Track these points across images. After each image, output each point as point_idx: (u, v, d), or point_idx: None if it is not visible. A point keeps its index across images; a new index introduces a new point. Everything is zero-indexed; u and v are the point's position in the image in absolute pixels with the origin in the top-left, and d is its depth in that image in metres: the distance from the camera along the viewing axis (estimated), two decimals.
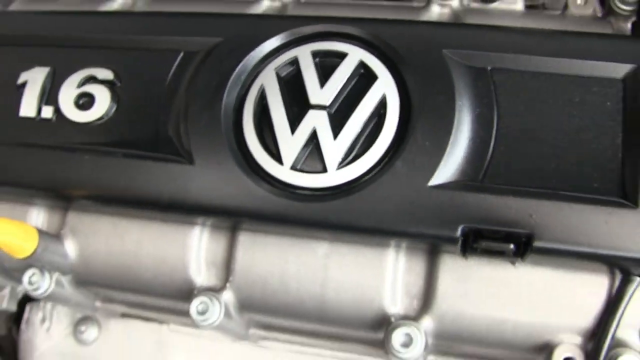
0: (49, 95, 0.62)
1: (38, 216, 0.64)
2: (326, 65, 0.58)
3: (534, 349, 0.56)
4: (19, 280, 0.71)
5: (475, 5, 0.67)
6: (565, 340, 0.54)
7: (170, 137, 0.57)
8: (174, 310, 0.67)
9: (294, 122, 0.56)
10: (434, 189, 0.51)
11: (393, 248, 0.56)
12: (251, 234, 0.59)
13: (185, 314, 0.64)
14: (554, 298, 0.54)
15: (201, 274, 0.61)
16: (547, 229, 0.50)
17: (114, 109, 0.60)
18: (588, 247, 0.50)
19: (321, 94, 0.57)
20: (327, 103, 0.56)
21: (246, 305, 0.61)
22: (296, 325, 0.62)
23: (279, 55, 0.59)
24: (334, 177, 0.54)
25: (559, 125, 0.52)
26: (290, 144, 0.55)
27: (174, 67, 0.60)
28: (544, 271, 0.54)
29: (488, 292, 0.55)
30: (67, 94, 0.61)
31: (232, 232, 0.60)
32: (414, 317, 0.56)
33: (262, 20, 0.63)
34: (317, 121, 0.56)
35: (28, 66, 0.64)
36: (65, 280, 0.65)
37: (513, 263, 0.54)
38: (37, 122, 0.62)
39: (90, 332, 0.81)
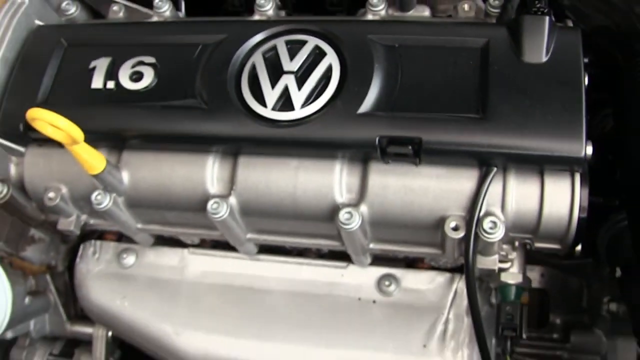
0: (111, 74, 0.93)
1: (102, 153, 0.94)
2: (294, 48, 0.90)
3: (433, 225, 0.84)
4: (83, 209, 1.01)
5: (396, 13, 0.98)
6: (453, 214, 0.83)
7: (194, 94, 0.88)
8: (194, 224, 0.96)
9: (273, 82, 0.87)
10: (361, 115, 0.82)
11: (339, 159, 0.86)
12: (247, 157, 0.89)
13: (203, 226, 0.94)
14: (445, 186, 0.83)
15: (214, 187, 0.90)
16: (432, 135, 0.80)
17: (155, 81, 0.92)
18: (457, 146, 0.80)
19: (290, 65, 0.88)
20: (294, 69, 0.87)
21: (244, 208, 0.90)
22: (279, 225, 0.91)
23: (264, 44, 0.91)
24: (299, 113, 0.85)
25: (441, 75, 0.83)
26: (272, 94, 0.86)
27: (195, 54, 0.92)
28: (437, 168, 0.83)
29: (401, 184, 0.84)
30: (124, 72, 0.92)
31: (234, 157, 0.89)
32: (354, 205, 0.85)
33: (253, 23, 0.95)
34: (287, 80, 0.87)
35: (96, 57, 0.95)
36: (119, 200, 0.94)
37: (415, 164, 0.83)
38: (103, 91, 0.92)
39: (129, 258, 1.09)
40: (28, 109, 0.77)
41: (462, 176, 0.83)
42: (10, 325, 1.07)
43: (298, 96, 0.86)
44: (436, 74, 0.84)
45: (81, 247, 1.12)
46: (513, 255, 0.89)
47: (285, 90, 0.86)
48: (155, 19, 1.01)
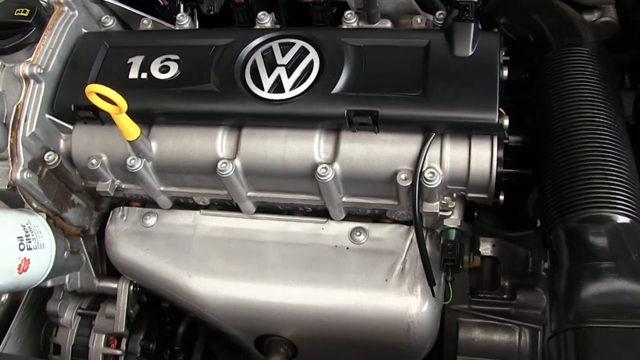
0: (144, 67, 1.21)
1: None
2: (285, 48, 1.18)
3: (389, 178, 1.10)
4: (117, 175, 1.27)
5: (364, 25, 1.27)
6: (403, 168, 1.10)
7: (210, 80, 1.16)
8: (206, 185, 1.22)
9: (269, 72, 1.14)
10: (334, 95, 1.10)
11: (318, 129, 1.13)
12: (248, 129, 1.16)
13: (213, 186, 1.20)
14: (397, 148, 1.09)
15: (223, 152, 1.17)
16: (386, 109, 1.07)
17: (179, 72, 1.19)
18: (405, 117, 1.07)
19: (282, 59, 1.16)
20: (285, 63, 1.15)
21: (246, 168, 1.16)
22: (272, 183, 1.18)
23: (262, 46, 1.19)
24: (288, 94, 1.12)
25: (393, 66, 1.11)
26: (267, 81, 1.14)
27: (210, 52, 1.20)
28: (391, 135, 1.10)
29: (364, 147, 1.11)
30: (155, 66, 1.20)
31: (239, 129, 1.16)
32: (329, 163, 1.12)
33: (254, 30, 1.24)
34: (280, 71, 1.14)
35: (132, 55, 1.23)
36: (148, 165, 1.21)
37: (375, 131, 1.11)
38: (138, 80, 1.20)
39: (151, 219, 1.34)
40: (78, 94, 1.04)
41: (410, 140, 1.10)
42: (51, 274, 1.31)
43: (287, 82, 1.13)
44: (390, 65, 1.12)
45: (111, 212, 1.37)
46: (453, 204, 1.15)
47: (278, 78, 1.14)
48: (177, 29, 1.30)
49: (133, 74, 1.21)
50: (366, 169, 1.12)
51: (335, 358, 1.36)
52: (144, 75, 1.20)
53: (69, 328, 1.46)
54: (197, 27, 1.37)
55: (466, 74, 1.08)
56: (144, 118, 1.19)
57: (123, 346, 1.42)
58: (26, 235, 1.21)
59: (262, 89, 1.14)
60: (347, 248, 1.23)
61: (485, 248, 1.47)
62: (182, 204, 1.33)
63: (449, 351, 1.39)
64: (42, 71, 1.21)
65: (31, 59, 1.22)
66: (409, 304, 1.16)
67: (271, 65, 1.16)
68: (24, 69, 1.20)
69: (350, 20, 1.24)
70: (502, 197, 1.13)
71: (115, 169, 1.24)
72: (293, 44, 1.18)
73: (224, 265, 1.25)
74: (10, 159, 1.19)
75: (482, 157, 1.08)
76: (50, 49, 1.25)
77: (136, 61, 1.22)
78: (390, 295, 1.16)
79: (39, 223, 1.26)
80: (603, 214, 0.88)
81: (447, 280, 1.14)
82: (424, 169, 1.08)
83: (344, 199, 1.18)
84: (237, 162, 1.16)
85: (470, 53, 1.10)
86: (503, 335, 1.40)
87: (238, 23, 1.39)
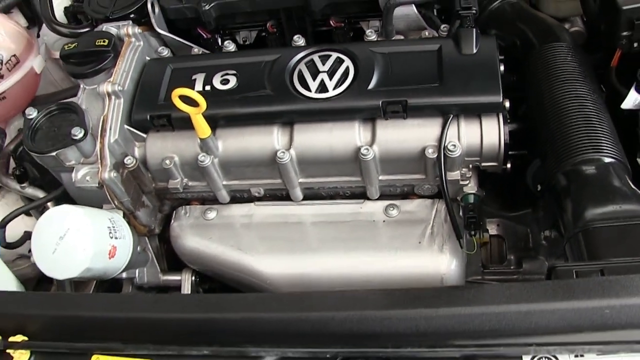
0: (207, 82, 1.47)
1: None
2: (324, 59, 1.45)
3: (418, 155, 1.36)
4: (186, 174, 1.50)
5: (381, 38, 1.56)
6: (429, 145, 1.36)
7: (265, 87, 1.42)
8: (264, 175, 1.46)
9: (314, 77, 1.42)
10: (370, 90, 1.37)
11: (357, 120, 1.39)
12: (299, 124, 1.41)
13: (270, 177, 1.44)
14: (423, 129, 1.36)
15: (279, 144, 1.42)
16: (412, 98, 1.34)
17: (237, 83, 1.45)
18: (427, 104, 1.34)
19: (323, 67, 1.43)
20: (326, 70, 1.42)
21: (299, 156, 1.41)
22: (320, 169, 1.43)
23: (304, 59, 1.47)
24: (332, 93, 1.39)
25: (415, 66, 1.39)
26: (313, 84, 1.41)
27: (261, 66, 1.47)
28: (417, 120, 1.37)
29: (396, 131, 1.37)
30: (217, 79, 1.46)
31: (291, 125, 1.42)
32: (369, 145, 1.37)
33: (295, 47, 1.52)
34: (323, 76, 1.41)
35: (195, 73, 1.49)
36: (215, 161, 1.44)
37: (404, 118, 1.37)
38: (203, 92, 1.45)
39: (211, 214, 1.57)
40: (153, 106, 1.30)
41: (432, 123, 1.36)
42: (128, 266, 1.52)
43: (330, 84, 1.40)
44: (411, 65, 1.40)
45: (174, 212, 1.60)
46: (469, 174, 1.41)
47: (322, 81, 1.41)
48: (230, 48, 1.58)
49: (198, 87, 1.46)
50: (399, 148, 1.37)
51: None
52: (207, 88, 1.46)
53: None
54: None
55: (473, 68, 1.36)
56: (210, 122, 1.44)
57: None
58: (113, 227, 1.42)
59: (310, 90, 1.40)
60: (383, 221, 1.47)
61: (492, 228, 1.72)
62: (237, 199, 1.56)
63: None
64: (121, 89, 1.46)
65: (111, 79, 1.47)
66: (441, 260, 1.39)
67: (314, 72, 1.43)
68: (107, 87, 1.45)
69: (371, 37, 1.53)
70: (509, 165, 1.39)
71: (185, 167, 1.48)
72: (330, 55, 1.46)
73: (279, 244, 1.48)
74: (99, 161, 1.42)
75: (491, 131, 1.35)
76: (124, 71, 1.50)
77: (199, 78, 1.48)
78: (424, 254, 1.40)
79: (119, 219, 1.48)
80: (593, 157, 1.15)
81: (470, 235, 1.38)
82: (446, 144, 1.34)
83: (380, 177, 1.43)
84: (292, 151, 1.41)
85: (475, 51, 1.38)
86: None
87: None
